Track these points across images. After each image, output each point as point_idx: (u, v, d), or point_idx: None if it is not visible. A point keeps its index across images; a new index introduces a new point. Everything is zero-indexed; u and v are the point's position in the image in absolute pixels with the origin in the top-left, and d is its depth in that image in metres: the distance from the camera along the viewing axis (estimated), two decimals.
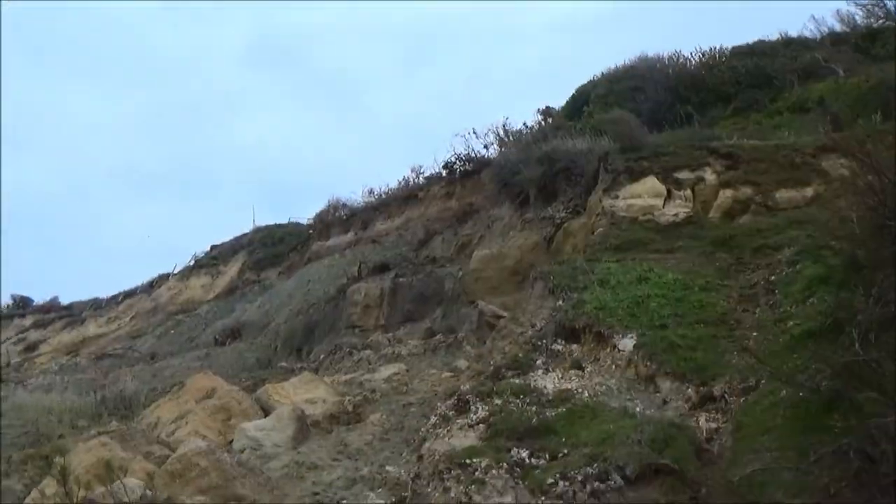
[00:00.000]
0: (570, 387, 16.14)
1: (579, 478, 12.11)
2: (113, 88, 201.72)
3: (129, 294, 75.53)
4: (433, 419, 16.75)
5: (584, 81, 42.22)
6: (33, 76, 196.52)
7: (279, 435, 19.06)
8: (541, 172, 31.56)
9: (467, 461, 13.31)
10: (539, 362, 17.76)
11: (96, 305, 77.37)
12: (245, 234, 70.92)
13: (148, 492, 13.27)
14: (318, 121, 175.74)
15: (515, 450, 13.55)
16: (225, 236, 74.42)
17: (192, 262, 72.78)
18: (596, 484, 11.93)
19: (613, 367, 16.75)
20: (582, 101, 40.16)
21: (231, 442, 19.65)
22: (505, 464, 13.04)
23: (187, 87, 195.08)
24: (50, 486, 15.15)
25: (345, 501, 14.47)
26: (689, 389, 15.05)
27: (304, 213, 72.30)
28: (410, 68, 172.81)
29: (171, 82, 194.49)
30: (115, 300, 76.04)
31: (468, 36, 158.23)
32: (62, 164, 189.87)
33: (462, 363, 23.58)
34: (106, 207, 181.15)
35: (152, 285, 73.80)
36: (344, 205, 57.30)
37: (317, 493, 15.36)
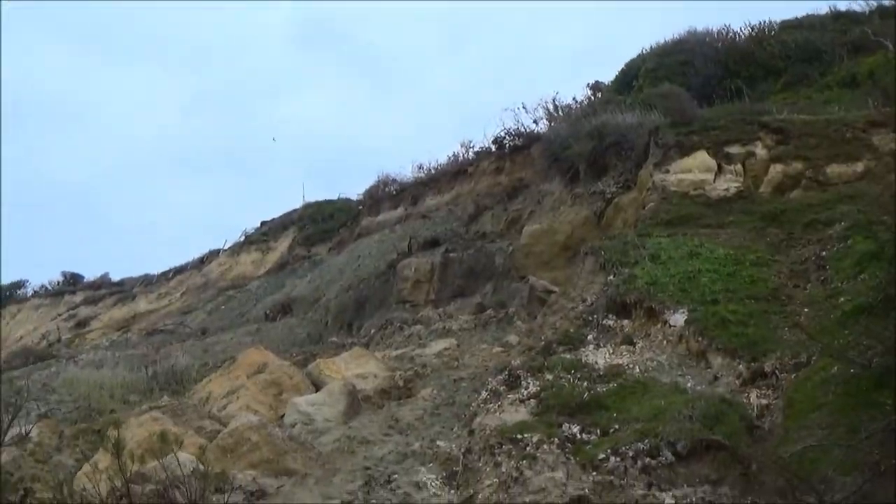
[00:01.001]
0: (621, 362, 16.15)
1: (630, 453, 12.12)
2: (163, 69, 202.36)
3: (179, 270, 75.79)
4: (484, 394, 16.79)
5: (634, 56, 42.06)
6: (84, 59, 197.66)
7: (330, 410, 19.12)
8: (591, 147, 31.44)
9: (518, 436, 13.34)
10: (590, 337, 17.78)
11: (147, 281, 77.68)
12: (295, 211, 70.97)
13: (200, 466, 13.36)
14: (367, 98, 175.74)
15: (566, 425, 13.57)
16: (275, 213, 74.51)
17: (242, 239, 72.91)
18: (647, 459, 11.94)
19: (664, 342, 16.74)
20: (631, 75, 39.99)
21: (282, 417, 19.73)
22: (556, 439, 13.06)
23: (236, 67, 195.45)
24: (103, 459, 15.26)
25: (396, 476, 14.47)
26: (740, 365, 15.03)
27: (354, 189, 72.30)
28: (458, 45, 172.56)
29: (220, 62, 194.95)
30: (165, 276, 76.33)
31: (517, 11, 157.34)
32: (115, 143, 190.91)
33: (513, 338, 23.55)
34: (157, 186, 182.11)
35: (203, 261, 74.01)
36: (394, 180, 57.22)
37: (368, 468, 15.36)
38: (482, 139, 50.03)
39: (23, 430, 18.09)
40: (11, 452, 17.19)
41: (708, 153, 24.81)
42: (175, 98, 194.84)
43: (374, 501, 13.73)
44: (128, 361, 35.61)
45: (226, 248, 73.22)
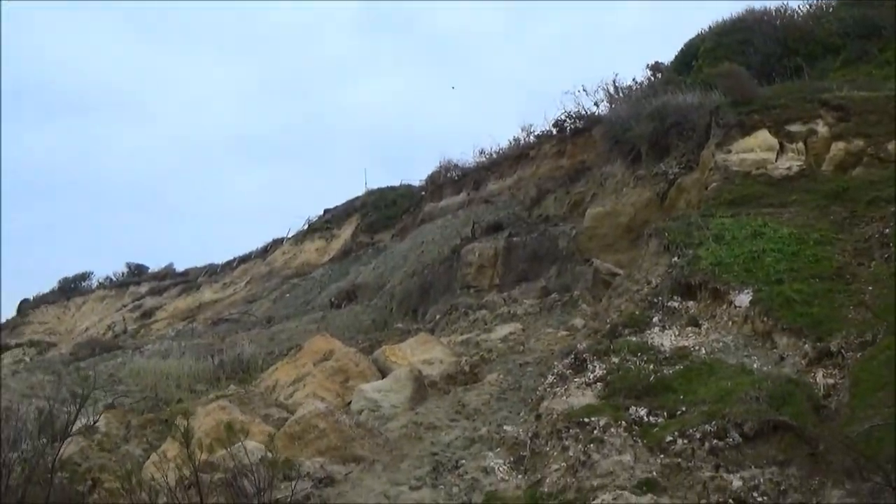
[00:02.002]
0: (686, 344, 16.14)
1: (697, 435, 12.15)
2: (227, 59, 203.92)
3: (243, 259, 76.22)
4: (550, 378, 16.80)
5: (693, 36, 41.85)
6: (148, 52, 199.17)
7: (397, 396, 19.22)
8: (652, 128, 31.34)
9: (585, 420, 13.39)
10: (655, 320, 17.75)
11: (211, 271, 78.17)
12: (358, 198, 71.20)
13: (268, 454, 13.49)
14: (428, 84, 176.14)
15: (633, 408, 13.61)
16: (338, 200, 74.77)
17: (305, 226, 73.20)
18: (714, 441, 11.96)
19: (730, 323, 16.70)
20: (691, 55, 39.75)
21: (349, 403, 19.86)
22: (623, 422, 13.10)
23: (301, 56, 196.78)
24: (170, 449, 15.43)
25: (463, 461, 14.51)
26: (806, 345, 14.97)
27: (416, 175, 72.46)
28: (519, 29, 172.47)
29: (285, 51, 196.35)
30: (230, 266, 76.77)
31: None
32: (178, 133, 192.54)
33: (578, 321, 23.55)
34: (221, 174, 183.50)
35: (267, 250, 74.41)
36: (455, 165, 57.26)
37: (435, 454, 15.42)
38: (543, 123, 50.01)
39: (90, 421, 18.28)
40: (79, 443, 17.38)
41: (769, 132, 24.68)
42: (240, 87, 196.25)
43: (441, 487, 13.78)
44: (194, 351, 35.85)
45: (289, 236, 73.57)
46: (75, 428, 15.38)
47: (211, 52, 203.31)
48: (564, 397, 15.24)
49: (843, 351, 14.33)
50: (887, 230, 18.73)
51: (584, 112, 45.09)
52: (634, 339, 16.82)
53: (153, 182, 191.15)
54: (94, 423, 18.94)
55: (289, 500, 12.81)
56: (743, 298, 16.82)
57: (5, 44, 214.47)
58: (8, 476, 12.56)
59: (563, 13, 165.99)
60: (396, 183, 70.92)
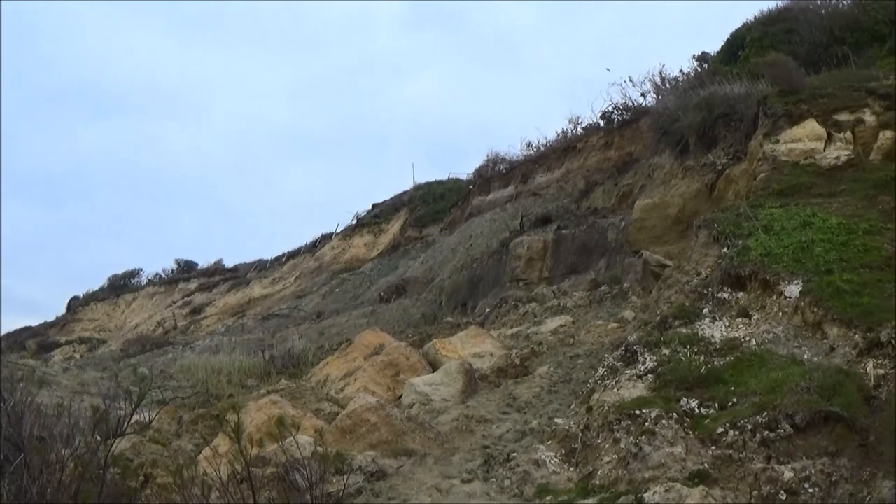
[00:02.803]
0: (737, 335, 16.09)
1: (749, 427, 12.12)
2: (277, 55, 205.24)
3: (292, 255, 76.70)
4: (601, 370, 16.80)
5: (739, 25, 41.73)
6: (198, 51, 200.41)
7: (448, 389, 19.31)
8: (700, 119, 31.31)
9: (636, 412, 13.38)
10: (705, 311, 17.71)
11: (260, 267, 78.67)
12: (405, 192, 71.53)
13: (319, 448, 13.58)
14: (476, 78, 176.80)
15: (685, 399, 13.58)
16: (386, 194, 75.20)
17: (354, 221, 73.53)
18: (765, 432, 11.92)
19: (780, 314, 16.63)
20: (737, 45, 39.60)
21: (400, 397, 19.99)
22: (674, 414, 13.09)
23: (349, 51, 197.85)
24: (222, 444, 15.55)
25: (515, 454, 14.51)
26: (856, 335, 14.88)
27: (464, 169, 72.76)
28: (564, 22, 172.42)
29: (334, 47, 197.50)
30: (279, 261, 77.26)
31: None
32: (228, 130, 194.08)
33: (628, 313, 23.58)
34: (270, 171, 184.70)
35: (315, 245, 74.82)
36: (503, 159, 57.45)
37: (487, 447, 15.47)
38: (590, 115, 50.16)
39: (143, 417, 18.45)
40: (131, 439, 17.52)
41: (817, 121, 24.55)
42: (289, 84, 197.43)
43: (493, 480, 13.81)
44: (244, 346, 36.14)
45: (338, 231, 73.98)
46: (129, 425, 15.52)
47: (261, 50, 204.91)
48: (615, 389, 15.25)
49: (893, 341, 14.22)
50: None
51: (631, 103, 45.17)
52: (685, 330, 16.79)
53: (202, 179, 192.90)
54: (151, 422, 19.12)
55: (341, 493, 12.87)
56: (793, 289, 16.75)
57: (59, 44, 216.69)
58: (61, 473, 12.67)
59: (608, 7, 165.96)
60: (444, 177, 71.33)
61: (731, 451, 11.89)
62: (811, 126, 24.49)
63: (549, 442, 14.81)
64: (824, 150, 23.86)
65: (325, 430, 16.34)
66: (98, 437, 14.08)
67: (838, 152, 23.56)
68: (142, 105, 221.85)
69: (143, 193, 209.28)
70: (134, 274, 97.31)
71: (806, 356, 14.71)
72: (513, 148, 57.35)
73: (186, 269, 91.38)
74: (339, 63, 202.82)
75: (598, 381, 16.28)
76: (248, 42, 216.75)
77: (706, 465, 11.84)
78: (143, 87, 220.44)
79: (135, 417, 15.44)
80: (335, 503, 12.43)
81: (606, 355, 17.68)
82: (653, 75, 44.10)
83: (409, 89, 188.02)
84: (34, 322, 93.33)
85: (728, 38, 41.12)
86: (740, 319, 16.93)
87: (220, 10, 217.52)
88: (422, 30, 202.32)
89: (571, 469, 13.70)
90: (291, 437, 13.16)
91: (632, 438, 12.79)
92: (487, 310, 32.57)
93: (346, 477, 13.40)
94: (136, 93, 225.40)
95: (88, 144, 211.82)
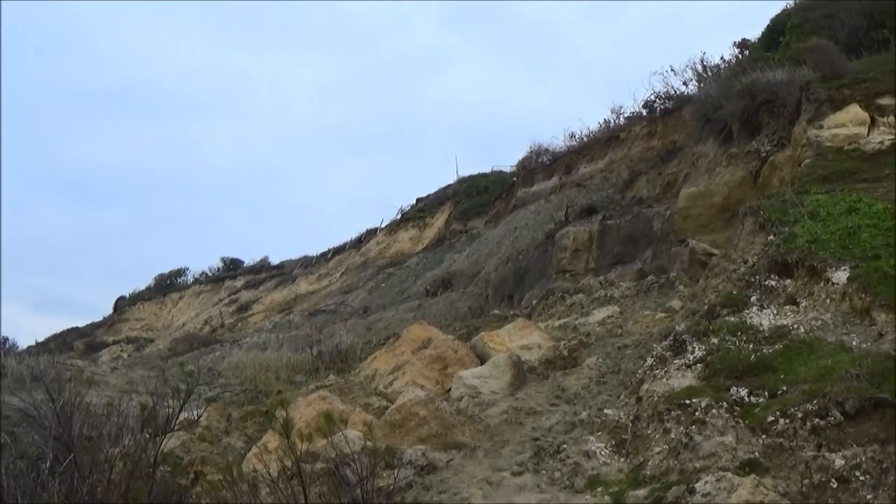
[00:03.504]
0: (785, 323, 16.04)
1: (799, 415, 12.07)
2: (320, 55, 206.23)
3: (338, 250, 76.95)
4: (650, 360, 16.79)
5: (779, 11, 41.53)
6: (244, 49, 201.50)
7: (496, 382, 19.31)
8: (743, 106, 31.22)
9: (686, 401, 13.37)
10: (753, 299, 17.66)
11: (306, 263, 78.96)
12: (449, 186, 71.65)
13: (368, 443, 13.63)
14: (517, 71, 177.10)
15: (734, 388, 13.55)
16: (429, 189, 75.27)
17: (398, 216, 73.66)
18: (815, 420, 11.88)
19: (828, 300, 16.56)
20: (777, 31, 39.40)
21: (448, 390, 20.00)
22: (724, 403, 13.06)
23: (391, 49, 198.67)
24: (272, 440, 15.63)
25: (565, 446, 14.49)
26: None
27: (507, 161, 72.72)
28: (604, 14, 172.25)
29: (376, 44, 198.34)
30: (324, 257, 77.48)
31: None
32: (273, 130, 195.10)
33: (675, 303, 23.54)
34: (314, 168, 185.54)
35: (361, 240, 75.09)
36: (546, 150, 57.40)
37: (536, 439, 15.44)
38: (633, 104, 50.04)
39: (192, 415, 18.55)
40: (180, 437, 17.64)
41: (860, 106, 24.46)
42: (333, 83, 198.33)
43: (543, 472, 13.83)
44: (291, 342, 36.24)
45: (383, 226, 74.12)
46: (178, 422, 15.62)
47: (303, 49, 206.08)
48: (664, 379, 15.24)
49: None
50: None
51: (673, 92, 45.05)
52: (733, 319, 16.76)
53: (247, 177, 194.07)
54: (199, 418, 19.23)
55: (391, 488, 12.91)
56: (840, 275, 16.68)
57: (104, 47, 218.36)
58: (111, 471, 12.79)
59: None
60: (487, 170, 71.38)
61: (781, 440, 11.86)
62: (854, 111, 24.40)
63: (599, 433, 14.83)
64: (868, 134, 23.76)
65: (374, 425, 16.37)
66: (147, 435, 14.19)
67: (882, 137, 23.45)
68: (187, 106, 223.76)
69: (188, 193, 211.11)
70: (180, 273, 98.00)
71: (854, 343, 14.64)
72: (556, 139, 57.29)
73: (232, 267, 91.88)
74: (382, 60, 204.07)
75: (647, 372, 16.28)
76: (290, 42, 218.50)
77: (757, 453, 11.82)
78: (187, 88, 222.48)
79: (184, 414, 15.57)
80: (386, 497, 12.47)
81: (655, 345, 17.69)
82: (694, 63, 44.01)
83: (451, 84, 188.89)
84: (81, 323, 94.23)
85: (768, 25, 40.95)
86: (788, 307, 16.88)
87: (262, 10, 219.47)
88: (463, 25, 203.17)
89: (622, 460, 13.71)
90: (341, 433, 13.24)
91: (682, 428, 12.79)
92: (534, 302, 32.58)
93: (396, 471, 13.44)
94: (181, 94, 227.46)
95: (135, 145, 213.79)
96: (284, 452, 12.40)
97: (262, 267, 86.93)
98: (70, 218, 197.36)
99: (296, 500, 11.80)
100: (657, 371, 15.90)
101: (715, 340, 15.73)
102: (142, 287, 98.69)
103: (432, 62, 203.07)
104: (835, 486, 10.83)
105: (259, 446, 15.86)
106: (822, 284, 17.04)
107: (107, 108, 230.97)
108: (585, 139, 54.06)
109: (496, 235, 51.84)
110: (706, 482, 11.07)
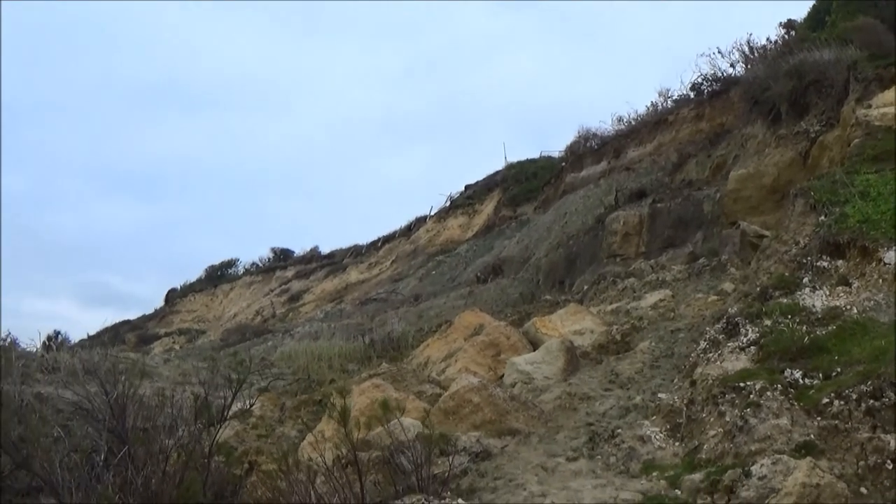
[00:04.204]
0: (838, 304, 15.97)
1: (854, 396, 12.02)
2: (369, 45, 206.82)
3: (388, 239, 77.03)
4: (703, 344, 16.76)
5: None
6: (293, 42, 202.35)
7: (549, 367, 19.31)
8: (791, 87, 31.10)
9: (741, 384, 13.33)
10: (805, 280, 17.60)
11: (356, 252, 79.01)
12: (498, 172, 71.62)
13: (424, 430, 13.68)
14: (563, 56, 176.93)
15: (788, 370, 13.52)
16: (478, 175, 75.21)
17: (447, 203, 73.61)
18: (870, 402, 11.82)
19: (880, 280, 16.48)
20: (823, 11, 39.18)
21: (501, 377, 20.00)
22: (779, 385, 13.02)
23: (439, 37, 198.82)
24: (327, 428, 15.72)
25: (619, 430, 14.49)
26: None
27: (555, 146, 72.66)
28: None
29: (423, 33, 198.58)
30: (374, 246, 77.52)
31: None
32: (322, 121, 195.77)
33: (727, 286, 23.47)
34: (363, 158, 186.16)
35: (410, 228, 75.08)
36: (594, 134, 57.26)
37: (590, 424, 15.46)
38: (680, 87, 49.87)
39: (246, 405, 18.67)
40: (234, 427, 17.78)
41: None
42: (381, 73, 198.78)
43: (598, 457, 13.85)
44: (343, 331, 36.43)
45: (432, 213, 74.07)
46: (231, 412, 15.75)
47: (353, 41, 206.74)
48: (718, 362, 15.23)
49: None
50: None
51: (720, 74, 44.87)
52: (785, 300, 16.70)
53: (296, 168, 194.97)
54: (251, 406, 19.36)
55: (446, 475, 12.96)
56: (892, 255, 16.59)
57: (154, 42, 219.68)
58: (165, 462, 12.91)
59: None
60: (536, 155, 71.22)
61: (836, 422, 11.83)
62: None
63: (654, 417, 14.84)
64: None
65: (428, 412, 16.48)
66: (201, 426, 14.31)
67: None
68: (235, 98, 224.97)
69: (238, 185, 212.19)
70: (231, 264, 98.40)
71: None
72: (604, 123, 57.12)
73: (283, 257, 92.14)
74: (429, 49, 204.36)
75: (701, 355, 16.26)
76: (338, 32, 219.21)
77: (812, 436, 11.80)
78: (236, 81, 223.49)
79: (237, 405, 15.69)
80: (441, 484, 12.53)
81: (708, 328, 17.65)
82: (741, 45, 43.81)
83: (498, 71, 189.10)
84: (133, 315, 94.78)
85: (814, 5, 40.69)
86: (840, 288, 16.82)
87: (314, 5, 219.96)
88: (511, 11, 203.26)
89: (677, 444, 13.72)
90: (395, 420, 13.30)
91: (737, 411, 12.78)
92: (585, 287, 32.59)
93: (451, 458, 13.47)
94: (229, 87, 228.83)
95: (185, 139, 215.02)
96: (340, 441, 12.48)
97: (313, 256, 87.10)
98: (121, 213, 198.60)
99: (351, 488, 11.88)
100: (711, 354, 15.89)
101: (768, 322, 15.69)
102: (193, 279, 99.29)
103: (480, 48, 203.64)
104: (890, 467, 10.82)
105: (314, 435, 15.93)
106: (873, 265, 16.98)
107: (156, 104, 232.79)
108: (633, 123, 53.93)
109: (546, 221, 51.80)
110: (762, 465, 11.07)
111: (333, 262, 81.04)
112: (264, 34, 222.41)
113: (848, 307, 15.68)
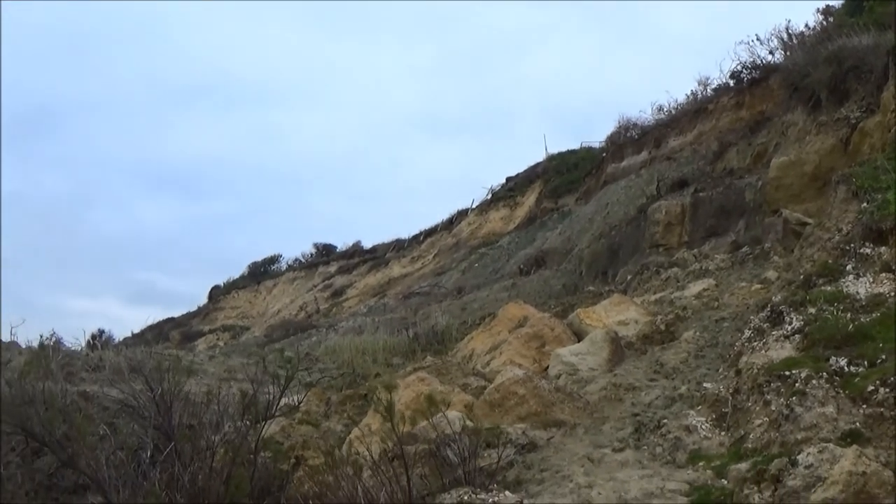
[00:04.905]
0: (882, 290, 15.91)
1: None
2: (406, 40, 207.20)
3: (429, 232, 77.17)
4: (747, 333, 16.73)
5: None
6: (329, 38, 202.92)
7: (594, 358, 19.30)
8: (830, 73, 31.00)
9: (786, 373, 13.30)
10: (849, 268, 17.54)
11: (398, 246, 79.26)
12: (539, 164, 71.65)
13: (469, 423, 13.75)
14: (601, 46, 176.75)
15: (833, 358, 13.48)
16: (519, 167, 75.30)
17: (489, 196, 73.74)
18: None
19: None
20: None
21: (546, 368, 20.00)
22: (824, 373, 12.99)
23: (477, 30, 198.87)
24: (374, 422, 15.78)
25: (665, 421, 14.47)
26: None
27: (596, 137, 72.64)
28: None
29: (461, 26, 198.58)
30: (416, 240, 77.72)
31: None
32: (362, 116, 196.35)
33: (771, 274, 23.41)
34: (404, 152, 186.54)
35: (452, 222, 75.21)
36: (634, 124, 57.20)
37: (636, 414, 15.44)
38: (719, 75, 49.79)
39: (292, 400, 18.77)
40: (280, 422, 17.85)
41: None
42: (420, 68, 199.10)
43: (645, 447, 13.87)
44: (387, 325, 36.52)
45: (474, 206, 74.14)
46: (277, 408, 15.86)
47: (390, 36, 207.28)
48: (763, 351, 15.20)
49: None
50: None
51: (759, 61, 44.73)
52: (829, 288, 16.66)
53: (337, 164, 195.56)
54: (299, 403, 19.46)
55: (493, 467, 13.02)
56: None
57: (194, 40, 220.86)
58: (212, 458, 13.03)
59: None
60: (576, 146, 71.18)
61: (882, 409, 11.81)
62: None
63: (699, 407, 14.83)
64: None
65: (473, 405, 16.54)
66: (248, 422, 14.41)
67: None
68: (274, 96, 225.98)
69: (280, 181, 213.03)
70: (273, 260, 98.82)
71: None
72: (644, 113, 57.00)
73: (325, 253, 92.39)
74: (465, 44, 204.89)
75: (746, 344, 16.24)
76: (379, 27, 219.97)
77: (858, 424, 11.78)
78: (277, 79, 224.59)
79: (283, 400, 15.78)
80: (487, 477, 12.59)
81: (752, 317, 17.61)
82: (779, 31, 43.64)
83: (537, 62, 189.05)
84: (176, 313, 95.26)
85: None
86: (884, 274, 16.76)
87: (350, 1, 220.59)
88: (543, 8, 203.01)
89: (723, 433, 13.72)
90: (441, 413, 13.36)
91: (782, 400, 12.77)
92: (629, 277, 32.57)
93: (497, 450, 13.53)
94: (268, 84, 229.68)
95: (226, 137, 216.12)
96: (386, 434, 12.56)
97: (355, 251, 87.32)
98: (165, 211, 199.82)
99: (398, 481, 11.96)
100: (755, 343, 15.86)
101: (812, 310, 15.66)
102: (236, 276, 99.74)
103: (520, 41, 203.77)
104: None
105: (360, 429, 16.00)
106: None
107: (197, 102, 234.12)
108: (673, 112, 53.84)
109: (588, 212, 51.80)
110: (808, 454, 11.07)
111: (376, 256, 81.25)
112: (301, 32, 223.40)
113: (892, 294, 15.63)
